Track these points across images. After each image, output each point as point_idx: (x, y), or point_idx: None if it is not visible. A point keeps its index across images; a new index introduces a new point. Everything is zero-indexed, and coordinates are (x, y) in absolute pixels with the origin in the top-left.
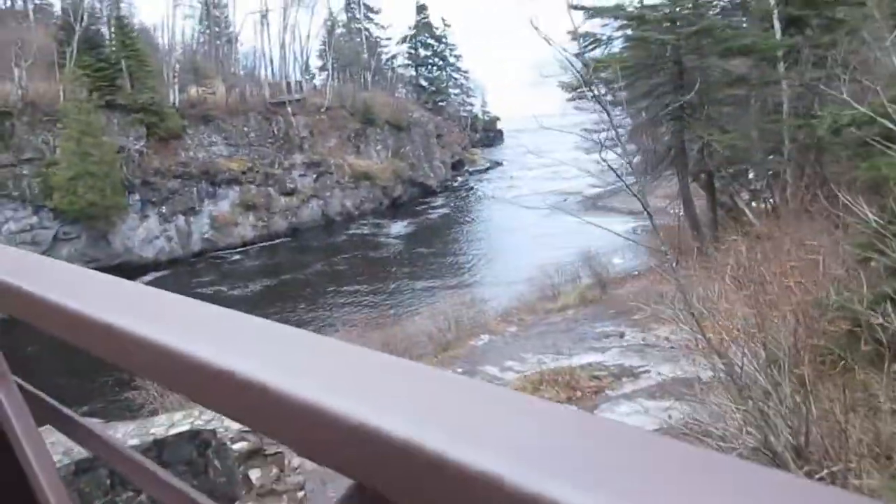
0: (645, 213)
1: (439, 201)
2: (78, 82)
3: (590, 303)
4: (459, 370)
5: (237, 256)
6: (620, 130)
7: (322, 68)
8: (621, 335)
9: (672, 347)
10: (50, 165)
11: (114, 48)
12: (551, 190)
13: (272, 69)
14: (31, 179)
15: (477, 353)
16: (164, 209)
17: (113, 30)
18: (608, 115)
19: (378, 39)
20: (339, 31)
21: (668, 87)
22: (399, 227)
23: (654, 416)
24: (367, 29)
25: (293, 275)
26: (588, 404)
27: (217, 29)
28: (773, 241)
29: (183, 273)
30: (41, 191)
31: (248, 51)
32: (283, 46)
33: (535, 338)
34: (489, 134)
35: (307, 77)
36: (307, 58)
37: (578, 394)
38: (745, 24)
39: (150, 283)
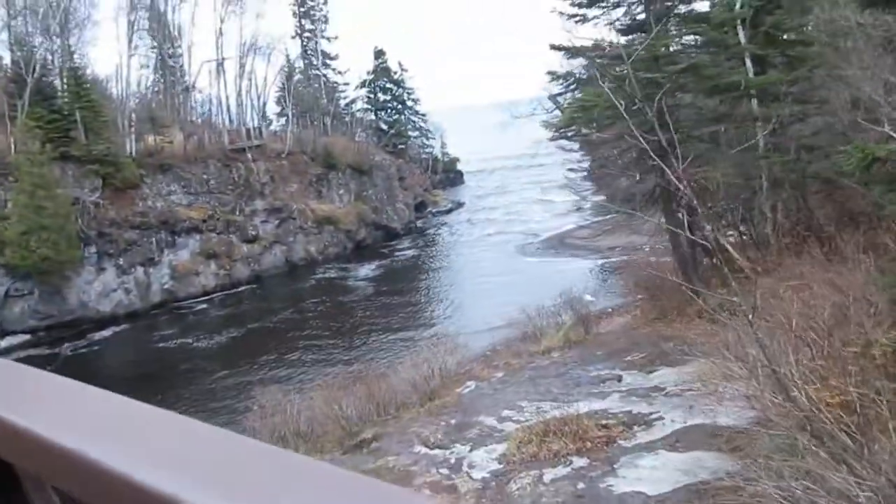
0: (606, 251)
1: (405, 244)
2: (30, 134)
3: (575, 344)
4: (453, 421)
5: (202, 306)
6: (587, 171)
7: (280, 114)
8: (619, 379)
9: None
10: (1, 220)
11: (67, 99)
12: (516, 231)
13: (229, 116)
14: None
15: (465, 401)
16: (121, 261)
17: (66, 81)
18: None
19: (336, 85)
20: (296, 77)
21: (648, 126)
22: (367, 271)
23: (686, 471)
24: (324, 75)
25: (261, 323)
26: (600, 456)
27: (172, 78)
28: (779, 280)
29: (143, 327)
30: None
31: (205, 98)
32: (239, 94)
33: (527, 383)
34: (449, 175)
35: (265, 123)
36: (264, 104)
37: (588, 445)
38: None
39: (109, 338)
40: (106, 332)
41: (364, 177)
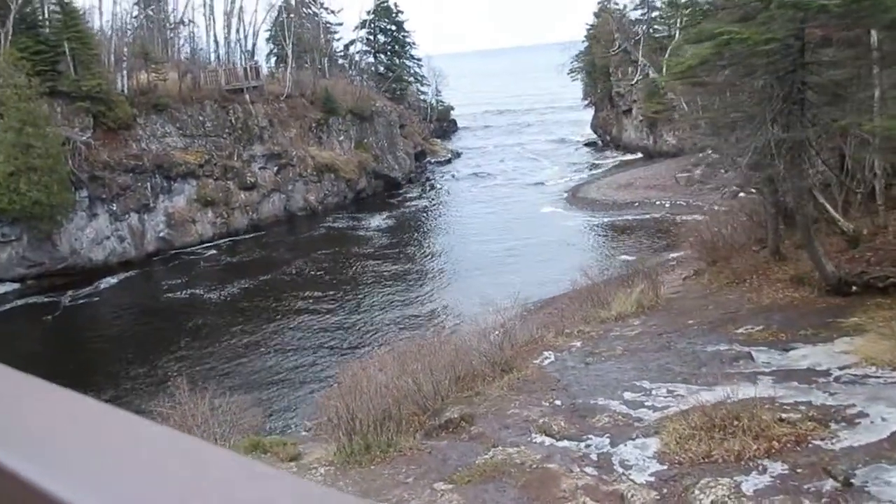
0: (624, 206)
1: (411, 194)
2: (16, 66)
3: (649, 310)
4: (558, 402)
5: (199, 256)
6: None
7: (270, 54)
8: (750, 357)
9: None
10: None
11: (54, 29)
12: (524, 182)
13: (217, 55)
14: None
15: (551, 376)
16: (114, 206)
17: (50, 9)
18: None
19: (329, 25)
20: (287, 15)
21: (784, 65)
22: (378, 222)
23: None
24: (316, 14)
25: (272, 275)
26: (800, 461)
27: (157, 13)
28: None
29: (140, 276)
30: None
31: (192, 35)
32: (228, 31)
33: (627, 358)
34: (442, 124)
35: (257, 63)
36: (254, 44)
37: (776, 445)
38: None
39: (108, 288)
40: (112, 280)
41: (365, 123)
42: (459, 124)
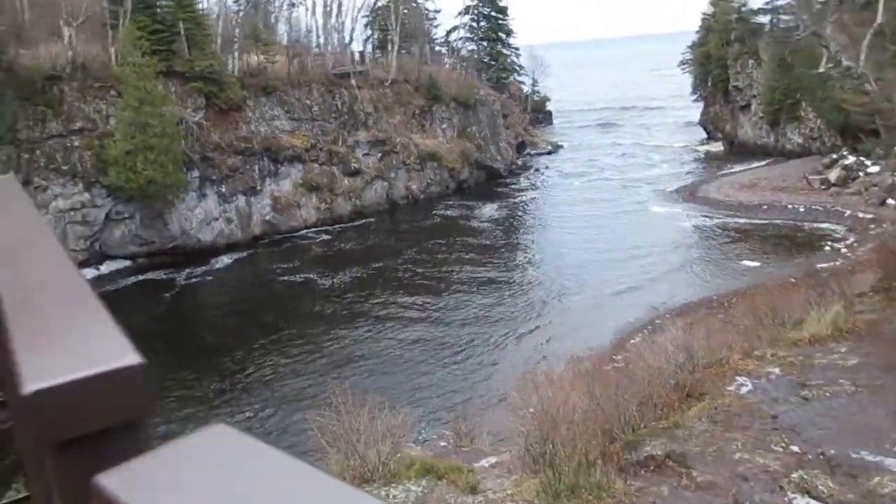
0: (753, 209)
1: (516, 185)
2: (136, 44)
3: (848, 334)
4: (795, 448)
5: (305, 240)
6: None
7: (368, 40)
8: None
9: None
10: (103, 137)
11: (169, 9)
12: (633, 178)
13: (317, 40)
14: (83, 152)
15: (759, 409)
16: (223, 188)
17: None
18: None
19: (427, 12)
20: (384, 1)
21: None
22: (489, 212)
23: None
24: (415, 1)
25: (387, 262)
26: None
27: None
28: None
29: (249, 258)
30: (93, 165)
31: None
32: (329, 15)
33: (866, 398)
34: (538, 115)
35: (356, 48)
36: (352, 28)
37: None
38: None
39: (226, 268)
40: (225, 261)
41: (468, 111)
42: (556, 116)
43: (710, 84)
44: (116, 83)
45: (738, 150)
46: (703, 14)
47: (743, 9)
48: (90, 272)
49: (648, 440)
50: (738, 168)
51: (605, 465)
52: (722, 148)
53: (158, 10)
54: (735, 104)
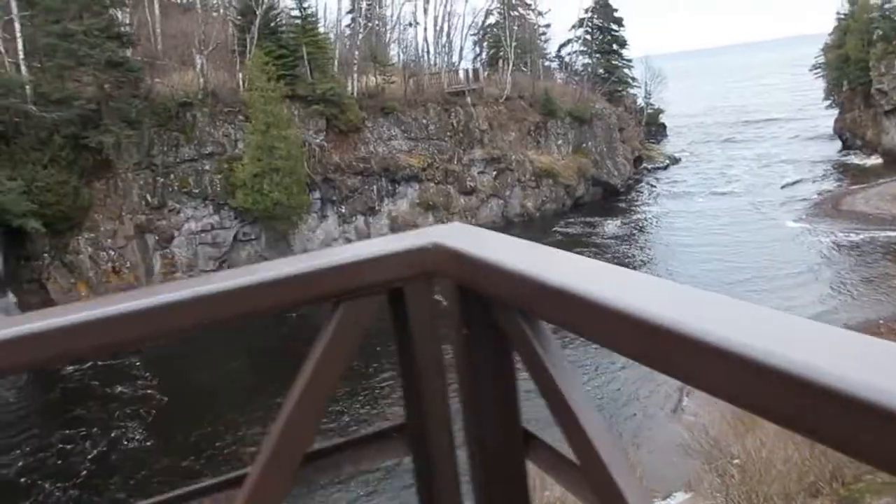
0: None
1: (635, 201)
2: (263, 70)
3: None
4: None
5: None
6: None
7: (477, 58)
8: None
9: None
10: (231, 161)
11: (293, 34)
12: (767, 191)
13: (427, 59)
14: (213, 175)
15: None
16: (343, 208)
17: (289, 14)
18: None
19: (536, 26)
20: (493, 18)
21: None
22: (612, 229)
23: None
24: (523, 16)
25: None
26: None
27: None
28: None
29: None
30: (222, 188)
31: (406, 39)
32: (439, 34)
33: None
34: (650, 128)
35: (474, 67)
36: (461, 46)
37: None
38: None
39: None
40: None
41: (584, 126)
42: (671, 129)
43: (846, 88)
44: (244, 108)
45: (889, 160)
46: (839, 14)
47: (887, 6)
48: None
49: (868, 498)
50: (886, 178)
51: None
52: (865, 157)
53: (283, 35)
54: (878, 109)
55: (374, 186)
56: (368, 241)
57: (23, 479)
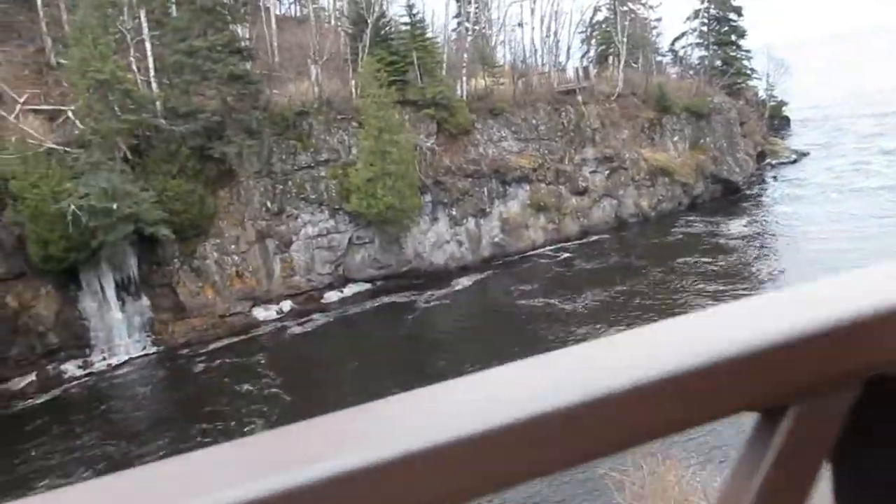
0: None
1: (758, 199)
2: (375, 76)
3: None
4: None
5: (532, 262)
6: None
7: (584, 56)
8: None
9: None
10: (346, 166)
11: (403, 40)
12: None
13: (535, 57)
14: (328, 181)
15: None
16: (454, 211)
17: (399, 21)
18: None
19: (646, 20)
20: (601, 15)
21: None
22: (738, 228)
23: None
24: (633, 11)
25: (633, 283)
26: None
27: (476, 24)
28: None
29: (487, 280)
30: (337, 193)
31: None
32: (547, 34)
33: None
34: (774, 121)
35: (584, 65)
36: (569, 44)
37: None
38: None
39: (469, 288)
40: (462, 283)
41: (701, 121)
42: (796, 122)
43: None
44: (357, 115)
45: None
46: None
47: None
48: (335, 294)
49: None
50: None
51: None
52: None
53: (393, 42)
54: None
55: (485, 188)
56: (819, 284)
57: None
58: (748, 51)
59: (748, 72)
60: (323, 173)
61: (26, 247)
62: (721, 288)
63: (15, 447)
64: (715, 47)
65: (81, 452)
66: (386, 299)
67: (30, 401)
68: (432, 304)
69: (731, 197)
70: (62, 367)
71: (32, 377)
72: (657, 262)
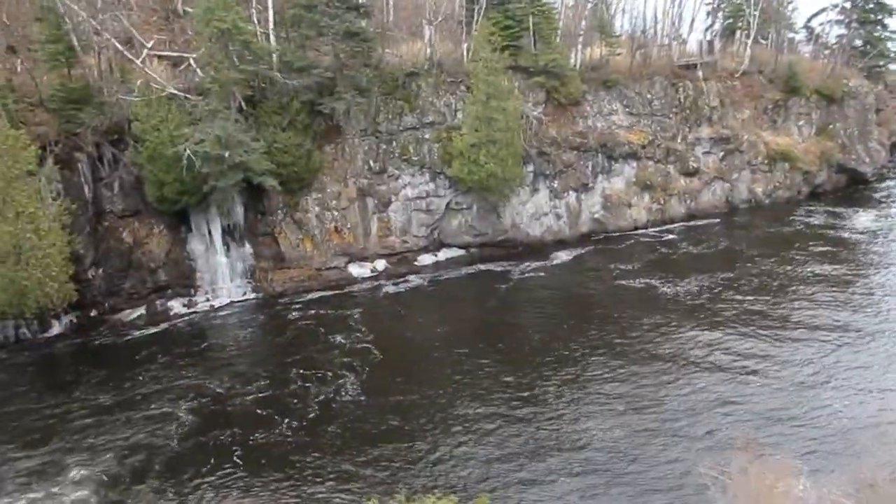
0: None
1: (890, 192)
2: (489, 40)
3: None
4: None
5: (633, 241)
6: None
7: (709, 29)
8: None
9: None
10: (450, 130)
11: (520, 5)
12: None
13: (655, 31)
14: (432, 144)
15: None
16: (555, 183)
17: None
18: None
19: None
20: None
21: None
22: (865, 223)
23: None
24: None
25: (740, 273)
26: None
27: None
28: None
29: (586, 256)
30: (440, 157)
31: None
32: (670, 4)
33: None
34: None
35: (709, 39)
36: (693, 17)
37: None
38: None
39: (566, 263)
40: (560, 257)
41: (832, 106)
42: None
43: None
44: (466, 78)
45: None
46: None
47: None
48: (429, 258)
49: None
50: None
51: None
52: None
53: (510, 5)
54: None
55: (590, 162)
56: None
57: (258, 411)
58: (895, 31)
59: (892, 54)
60: (427, 136)
61: (143, 187)
62: (846, 275)
63: (126, 373)
64: (856, 25)
65: (186, 382)
66: (481, 267)
67: (140, 332)
68: (527, 275)
69: (857, 188)
70: (169, 303)
71: (142, 310)
72: (770, 251)
